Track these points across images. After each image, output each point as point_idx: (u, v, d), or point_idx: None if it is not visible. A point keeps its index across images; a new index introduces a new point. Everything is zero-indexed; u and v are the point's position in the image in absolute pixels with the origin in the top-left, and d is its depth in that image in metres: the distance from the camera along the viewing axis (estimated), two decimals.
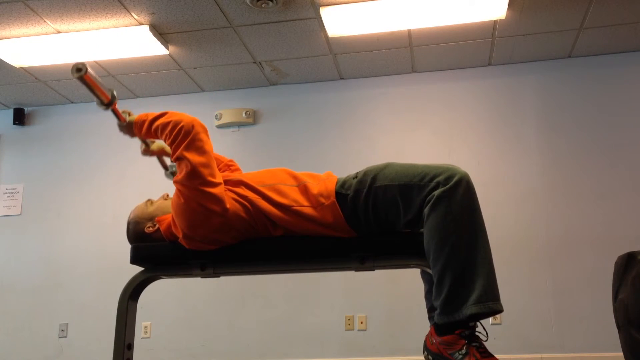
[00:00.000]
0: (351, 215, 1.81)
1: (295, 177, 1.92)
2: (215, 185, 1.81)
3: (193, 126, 1.82)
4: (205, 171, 1.80)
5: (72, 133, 5.03)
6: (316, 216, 1.82)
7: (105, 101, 1.87)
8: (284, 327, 4.36)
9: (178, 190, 1.83)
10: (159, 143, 2.16)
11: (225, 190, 1.85)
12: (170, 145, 1.83)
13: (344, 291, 4.34)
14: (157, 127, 1.87)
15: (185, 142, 1.80)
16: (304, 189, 1.87)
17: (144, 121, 1.92)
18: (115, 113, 1.93)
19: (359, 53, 4.33)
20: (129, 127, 1.96)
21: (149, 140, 2.10)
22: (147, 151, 2.14)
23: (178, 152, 1.81)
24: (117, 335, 1.92)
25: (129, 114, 1.96)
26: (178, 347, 4.45)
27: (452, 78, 4.61)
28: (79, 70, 1.73)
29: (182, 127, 1.81)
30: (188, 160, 1.79)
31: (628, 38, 4.20)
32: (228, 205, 1.82)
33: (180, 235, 1.87)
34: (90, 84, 1.79)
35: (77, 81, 4.60)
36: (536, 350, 4.01)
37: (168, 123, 1.84)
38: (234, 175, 1.97)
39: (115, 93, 1.89)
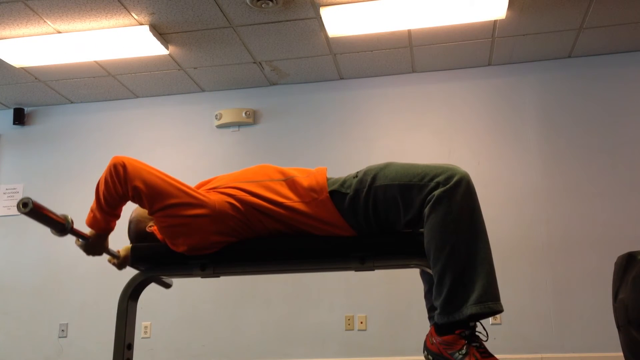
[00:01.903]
0: (351, 214, 1.81)
1: (281, 172, 1.91)
2: (180, 194, 1.78)
3: (122, 161, 1.77)
4: (161, 185, 1.77)
5: (72, 133, 5.03)
6: (308, 212, 1.81)
7: (61, 225, 1.75)
8: (284, 327, 4.36)
9: (156, 218, 1.82)
10: (126, 247, 2.06)
11: (209, 192, 1.85)
12: (122, 191, 1.77)
13: (344, 291, 4.34)
14: (103, 198, 1.79)
15: (128, 175, 1.76)
16: (292, 183, 1.86)
17: (93, 215, 1.84)
18: (77, 233, 1.83)
19: (359, 53, 4.33)
20: (94, 240, 1.88)
21: (115, 252, 2.02)
22: (120, 264, 2.06)
23: (130, 187, 1.76)
24: (117, 335, 1.92)
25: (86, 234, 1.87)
26: (178, 347, 4.45)
27: (452, 78, 4.60)
28: (26, 205, 1.61)
29: (114, 169, 1.76)
30: (138, 186, 1.76)
31: (628, 38, 4.20)
32: (216, 204, 1.81)
33: (180, 251, 1.87)
34: (42, 214, 1.67)
35: (77, 81, 4.63)
36: (536, 350, 4.01)
37: (105, 183, 1.78)
38: (218, 179, 1.96)
39: (69, 217, 1.76)
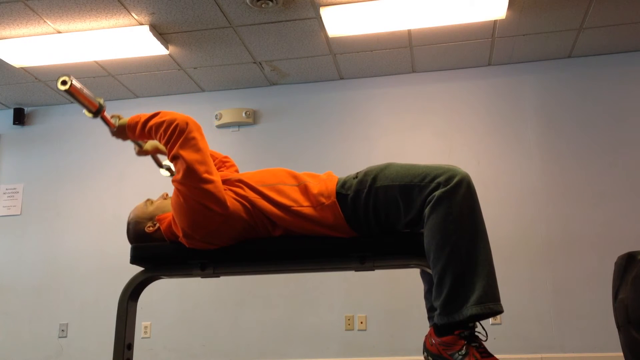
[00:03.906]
0: (351, 215, 1.81)
1: (295, 177, 1.92)
2: (212, 182, 1.80)
3: (187, 124, 1.82)
4: (201, 168, 1.79)
5: (72, 133, 5.03)
6: (316, 216, 1.82)
7: (94, 110, 1.87)
8: (284, 327, 4.36)
9: (177, 189, 1.83)
10: (152, 142, 2.15)
11: (225, 190, 1.85)
12: (165, 144, 1.83)
13: (344, 291, 4.34)
14: (151, 127, 1.87)
15: (180, 141, 1.80)
16: (305, 189, 1.87)
17: (137, 122, 1.91)
18: (105, 120, 1.92)
19: (359, 53, 4.33)
20: (120, 131, 1.95)
21: (141, 141, 2.10)
22: (141, 152, 2.15)
23: (174, 151, 1.80)
24: (117, 335, 1.92)
25: (119, 118, 1.95)
26: (178, 347, 4.45)
27: (452, 78, 4.61)
28: (65, 83, 1.74)
29: (177, 125, 1.81)
30: (184, 158, 1.78)
31: (628, 38, 4.20)
32: (228, 204, 1.82)
33: (180, 234, 1.87)
34: (76, 95, 1.80)
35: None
36: (536, 350, 4.01)
37: (162, 123, 1.84)
38: (234, 175, 1.96)
39: (102, 101, 1.88)
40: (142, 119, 1.90)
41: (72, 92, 1.77)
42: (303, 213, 1.82)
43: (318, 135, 4.69)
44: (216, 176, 1.83)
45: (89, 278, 4.67)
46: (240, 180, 1.90)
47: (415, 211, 1.73)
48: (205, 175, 1.79)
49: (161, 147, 2.20)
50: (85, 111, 1.89)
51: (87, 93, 1.83)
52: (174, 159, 1.82)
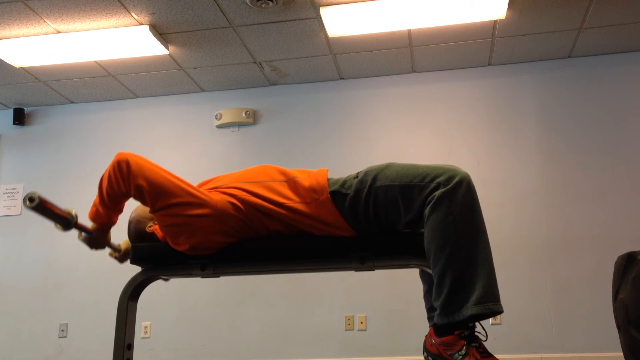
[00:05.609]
0: (351, 214, 1.81)
1: (283, 173, 1.92)
2: (183, 193, 1.78)
3: (126, 158, 1.77)
4: (164, 183, 1.77)
5: (72, 133, 5.03)
6: (309, 212, 1.81)
7: (67, 219, 1.79)
8: (284, 327, 4.36)
9: (157, 218, 1.82)
10: (127, 241, 2.09)
11: (212, 193, 1.85)
12: (124, 188, 1.78)
13: (344, 291, 4.34)
14: (106, 193, 1.80)
15: (132, 173, 1.76)
16: (294, 184, 1.86)
17: (95, 208, 1.85)
18: (81, 228, 1.85)
19: (359, 53, 4.33)
20: (98, 235, 1.89)
21: (115, 245, 2.04)
22: (121, 257, 2.09)
23: (133, 185, 1.76)
24: (117, 335, 1.92)
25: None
26: (178, 347, 4.45)
27: (452, 78, 4.61)
28: (32, 200, 1.65)
29: (117, 166, 1.76)
30: (141, 185, 1.76)
31: (628, 38, 4.20)
32: (218, 204, 1.81)
33: (182, 249, 1.87)
34: (48, 207, 1.71)
35: (77, 81, 4.63)
36: (536, 350, 4.01)
37: (107, 179, 1.78)
38: (219, 180, 1.96)
39: (73, 212, 1.81)
40: (96, 198, 1.84)
41: (42, 205, 1.68)
42: (295, 209, 1.82)
43: (318, 135, 4.69)
44: (184, 184, 1.81)
45: (89, 278, 4.67)
46: (227, 184, 1.89)
47: (415, 211, 1.73)
48: (172, 189, 1.77)
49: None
50: (57, 225, 1.80)
51: (57, 205, 1.75)
52: (137, 194, 1.78)
